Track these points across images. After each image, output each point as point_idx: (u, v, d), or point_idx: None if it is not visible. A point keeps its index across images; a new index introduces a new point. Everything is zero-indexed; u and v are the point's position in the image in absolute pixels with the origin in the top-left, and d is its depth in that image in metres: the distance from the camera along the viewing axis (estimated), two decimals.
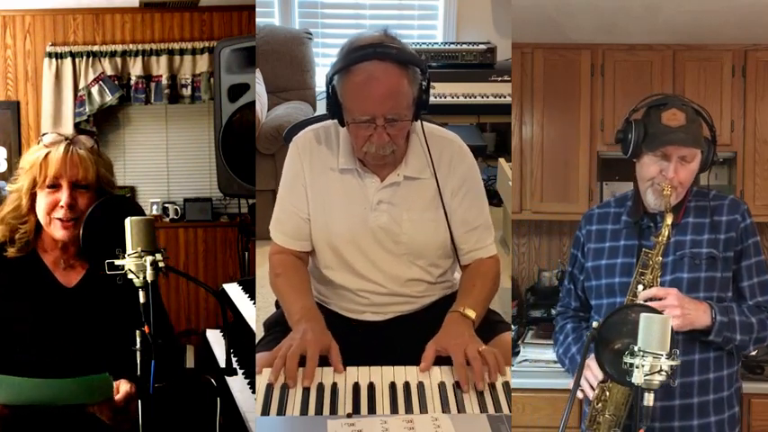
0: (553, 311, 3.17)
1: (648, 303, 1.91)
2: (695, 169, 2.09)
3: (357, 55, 1.95)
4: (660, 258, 2.00)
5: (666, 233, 1.99)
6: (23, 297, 1.97)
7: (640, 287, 2.01)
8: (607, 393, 2.00)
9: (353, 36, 2.02)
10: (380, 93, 1.95)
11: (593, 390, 2.02)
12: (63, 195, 1.92)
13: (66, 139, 1.97)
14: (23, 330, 1.94)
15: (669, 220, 1.99)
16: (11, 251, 1.97)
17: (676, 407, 2.06)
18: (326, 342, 1.95)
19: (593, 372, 2.01)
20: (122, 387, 1.84)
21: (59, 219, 1.93)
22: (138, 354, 1.66)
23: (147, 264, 1.65)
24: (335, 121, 2.16)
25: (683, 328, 1.99)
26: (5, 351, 1.90)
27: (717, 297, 2.08)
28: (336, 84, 2.01)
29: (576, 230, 2.35)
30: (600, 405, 2.02)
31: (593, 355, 2.02)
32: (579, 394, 2.08)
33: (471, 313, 2.05)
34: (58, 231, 1.94)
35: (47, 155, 1.93)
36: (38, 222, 1.98)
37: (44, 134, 2.00)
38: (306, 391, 1.84)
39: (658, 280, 2.02)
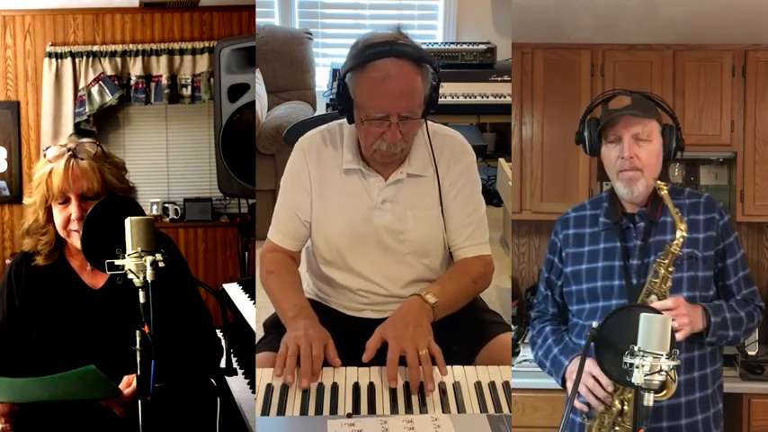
0: None
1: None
2: (657, 150, 2.06)
3: (373, 52, 1.95)
4: (672, 268, 1.96)
5: (682, 242, 1.94)
6: (53, 301, 2.02)
7: (653, 297, 1.95)
8: (625, 407, 1.91)
9: (367, 34, 2.02)
10: (396, 90, 1.95)
11: (601, 402, 1.95)
12: (73, 209, 1.96)
13: (69, 150, 1.98)
14: (52, 333, 1.99)
15: (683, 227, 1.94)
16: (39, 259, 2.04)
17: (664, 407, 2.03)
18: (326, 337, 1.94)
19: (600, 382, 1.93)
20: (134, 382, 1.84)
21: (75, 231, 1.96)
22: (138, 354, 1.67)
23: (147, 264, 1.66)
24: (339, 122, 2.16)
25: (687, 335, 1.98)
26: (34, 354, 1.94)
27: (699, 296, 2.07)
28: (349, 81, 2.00)
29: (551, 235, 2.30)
30: (620, 419, 1.92)
31: (591, 362, 1.91)
32: (583, 407, 2.01)
33: (432, 298, 2.00)
34: (77, 242, 1.96)
35: (51, 171, 1.96)
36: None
37: (48, 147, 2.02)
38: (306, 391, 1.84)
39: (668, 289, 1.97)
